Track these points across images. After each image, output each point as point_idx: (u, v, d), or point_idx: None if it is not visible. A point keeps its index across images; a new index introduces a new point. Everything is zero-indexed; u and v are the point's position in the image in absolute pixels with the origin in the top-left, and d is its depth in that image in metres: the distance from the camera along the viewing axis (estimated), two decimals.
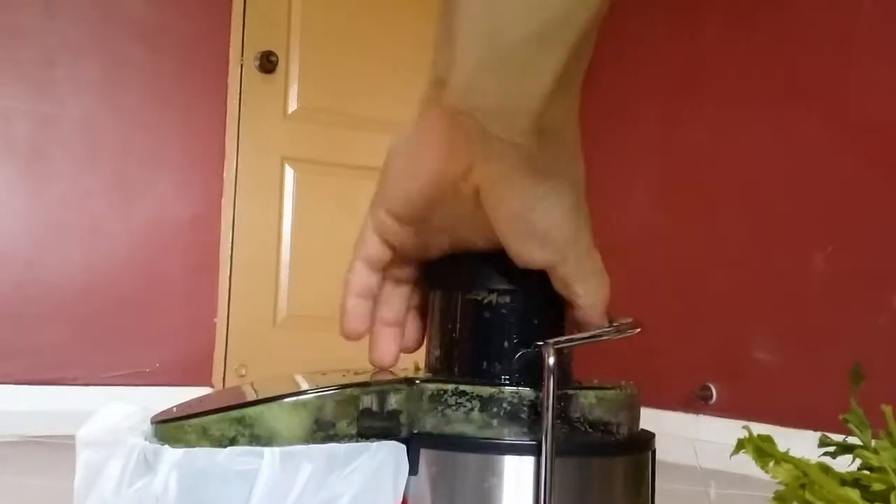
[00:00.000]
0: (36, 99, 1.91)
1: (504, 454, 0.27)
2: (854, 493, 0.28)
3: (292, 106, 2.19)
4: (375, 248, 0.29)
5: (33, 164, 1.91)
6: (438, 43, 0.25)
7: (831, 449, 0.31)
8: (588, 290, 0.28)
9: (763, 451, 0.31)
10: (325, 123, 2.22)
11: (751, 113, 1.90)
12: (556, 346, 0.27)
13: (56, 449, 1.64)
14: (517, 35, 0.23)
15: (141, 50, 1.99)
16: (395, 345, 0.31)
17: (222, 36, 2.08)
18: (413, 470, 0.28)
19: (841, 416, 0.29)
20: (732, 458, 0.32)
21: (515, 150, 0.24)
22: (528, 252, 0.26)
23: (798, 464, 0.29)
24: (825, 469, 0.29)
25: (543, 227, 0.26)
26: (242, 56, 2.11)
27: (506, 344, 0.29)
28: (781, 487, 0.29)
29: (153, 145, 2.01)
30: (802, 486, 0.28)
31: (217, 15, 2.07)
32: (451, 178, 0.26)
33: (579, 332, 0.29)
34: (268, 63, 2.12)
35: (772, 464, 0.30)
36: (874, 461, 0.29)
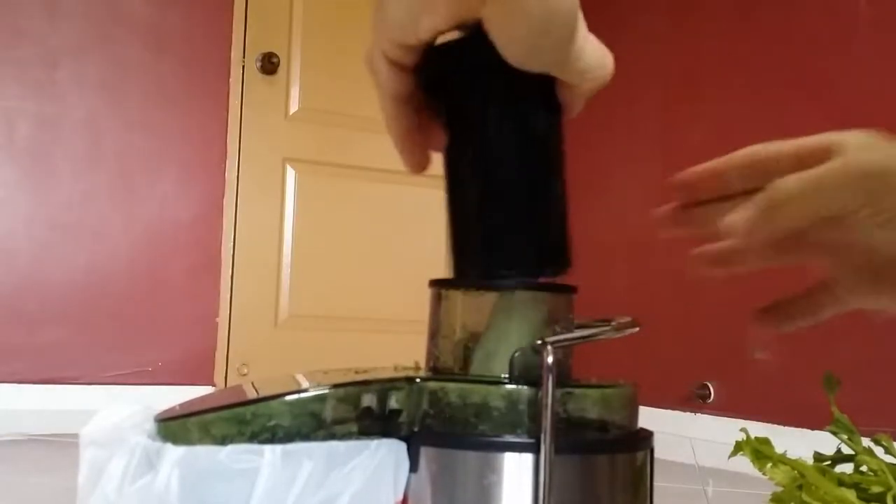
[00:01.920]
0: (38, 99, 1.91)
1: (503, 452, 0.27)
2: (850, 494, 0.28)
3: (294, 107, 2.19)
4: (396, 80, 0.29)
5: (35, 164, 1.91)
6: None
7: (827, 464, 0.31)
8: (591, 67, 0.28)
9: (760, 453, 0.31)
10: (327, 124, 2.22)
11: (750, 113, 1.90)
12: (554, 346, 0.27)
13: (59, 448, 1.64)
14: None
15: (143, 51, 2.00)
16: (423, 146, 0.30)
17: (224, 37, 2.08)
18: (413, 467, 0.28)
19: (827, 428, 0.30)
20: (732, 458, 0.32)
21: None
22: (538, 57, 0.26)
23: (795, 465, 0.29)
24: (822, 470, 0.29)
25: (550, 48, 0.26)
26: (244, 57, 2.11)
27: (506, 342, 0.30)
28: (779, 487, 0.29)
29: (155, 146, 2.01)
30: (799, 488, 0.28)
31: (219, 16, 2.08)
32: (462, 17, 0.26)
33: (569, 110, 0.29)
34: (269, 64, 2.12)
35: (769, 465, 0.30)
36: (872, 464, 0.29)
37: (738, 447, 0.28)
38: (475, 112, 0.29)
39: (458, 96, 0.29)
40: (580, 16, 0.27)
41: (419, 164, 0.30)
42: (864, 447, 0.29)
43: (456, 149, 0.30)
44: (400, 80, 0.28)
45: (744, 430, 0.28)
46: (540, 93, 0.29)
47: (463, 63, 0.28)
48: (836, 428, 0.30)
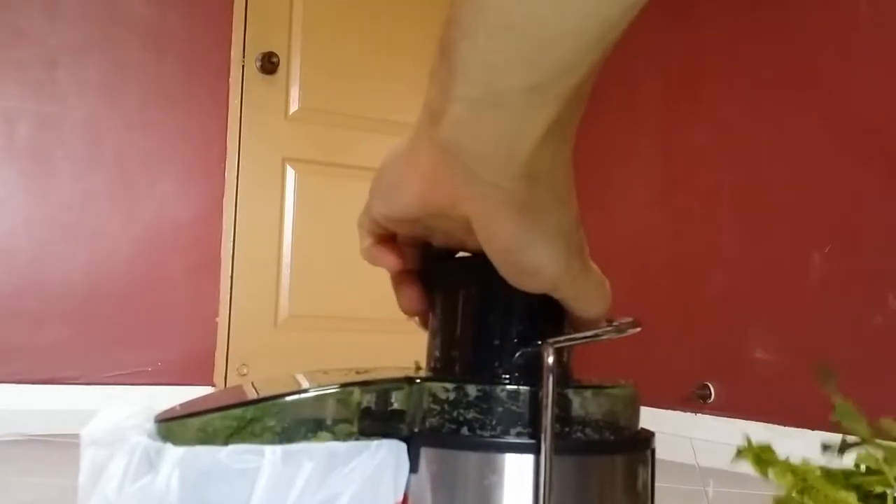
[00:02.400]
0: (38, 99, 1.91)
1: (504, 452, 0.27)
2: (852, 497, 0.28)
3: (293, 106, 2.19)
4: (375, 231, 0.31)
5: (35, 164, 1.91)
6: (434, 75, 0.25)
7: (834, 455, 0.31)
8: (588, 306, 0.29)
9: (762, 458, 0.31)
10: (327, 124, 2.22)
11: (750, 113, 1.90)
12: (555, 346, 0.27)
13: (59, 448, 1.64)
14: (513, 84, 0.22)
15: (143, 51, 2.00)
16: (418, 291, 0.32)
17: (224, 37, 2.08)
18: (413, 468, 0.28)
19: (832, 419, 0.30)
20: (731, 456, 0.32)
21: (501, 193, 0.24)
22: (520, 282, 0.27)
23: (797, 470, 0.29)
24: (825, 473, 0.29)
25: (533, 266, 0.26)
26: (244, 57, 2.11)
27: (506, 343, 0.30)
28: (781, 487, 0.29)
29: (155, 145, 2.01)
30: (801, 492, 0.28)
31: (219, 16, 2.08)
32: (435, 208, 0.27)
33: (578, 331, 0.30)
34: (269, 64, 2.12)
35: (771, 470, 0.30)
36: (871, 462, 0.29)
37: (739, 454, 0.28)
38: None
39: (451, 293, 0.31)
40: (577, 244, 0.27)
41: (412, 312, 0.33)
42: (870, 434, 0.29)
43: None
44: (378, 233, 0.31)
45: (745, 435, 0.28)
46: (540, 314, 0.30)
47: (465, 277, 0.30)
48: (839, 415, 0.30)
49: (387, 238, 0.32)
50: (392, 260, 0.32)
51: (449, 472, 0.27)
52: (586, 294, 0.29)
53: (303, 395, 0.28)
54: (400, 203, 0.28)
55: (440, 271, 0.31)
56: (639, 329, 0.30)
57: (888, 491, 0.26)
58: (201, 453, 0.27)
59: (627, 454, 0.29)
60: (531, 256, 0.26)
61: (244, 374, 2.09)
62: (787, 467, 0.27)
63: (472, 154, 0.24)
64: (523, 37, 0.21)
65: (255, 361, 2.10)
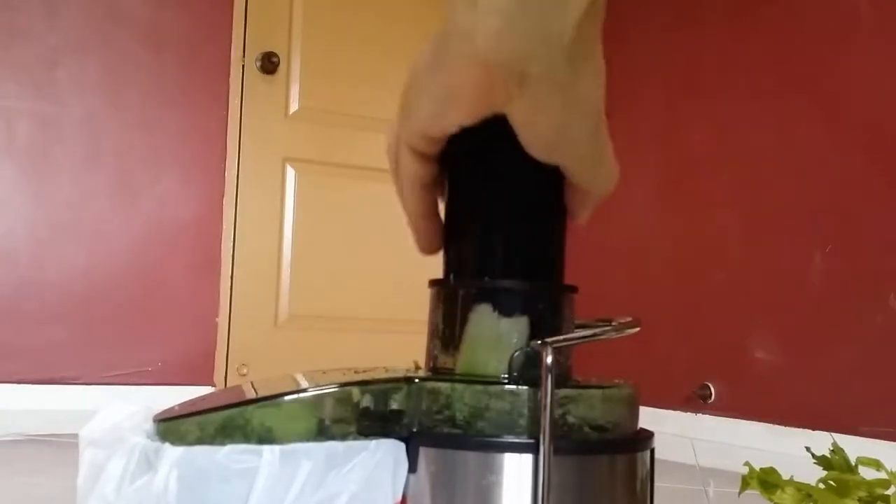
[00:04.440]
0: (37, 99, 1.91)
1: (503, 452, 0.27)
2: None
3: (293, 106, 2.19)
4: (418, 169, 0.30)
5: (35, 163, 1.91)
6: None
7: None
8: (600, 182, 0.30)
9: (768, 482, 0.31)
10: (327, 124, 2.22)
11: (751, 112, 1.90)
12: (554, 346, 0.27)
13: (59, 448, 1.64)
14: None
15: (142, 50, 2.00)
16: (439, 233, 0.32)
17: (224, 36, 2.08)
18: (412, 468, 0.28)
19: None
20: (731, 457, 0.32)
21: (549, 82, 0.25)
22: (553, 156, 0.28)
23: (802, 487, 0.29)
24: (836, 480, 0.29)
25: (572, 141, 0.27)
26: (244, 56, 2.11)
27: (505, 342, 0.30)
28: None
29: (155, 145, 2.01)
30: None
31: (219, 15, 2.08)
32: (487, 113, 0.27)
33: (577, 211, 0.30)
34: (269, 64, 2.12)
35: (778, 492, 0.30)
36: (873, 466, 0.29)
37: (745, 482, 0.28)
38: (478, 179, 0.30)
39: (464, 170, 0.30)
40: (602, 119, 0.28)
41: (431, 246, 0.32)
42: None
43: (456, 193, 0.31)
44: (422, 169, 0.30)
45: (747, 463, 0.28)
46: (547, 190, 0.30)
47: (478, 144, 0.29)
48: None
49: (434, 204, 0.31)
50: (437, 245, 0.31)
51: (448, 471, 0.27)
52: (602, 170, 0.29)
53: (302, 395, 0.28)
54: (450, 121, 0.27)
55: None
56: (638, 329, 0.30)
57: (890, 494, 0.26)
58: (200, 453, 0.27)
59: (627, 454, 0.29)
60: (573, 133, 0.27)
61: (244, 374, 2.09)
62: (792, 485, 0.27)
63: (520, 56, 0.24)
64: None
65: (255, 361, 2.10)
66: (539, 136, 0.27)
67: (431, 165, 0.30)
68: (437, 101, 0.27)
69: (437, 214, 0.31)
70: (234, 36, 2.10)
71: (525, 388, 0.28)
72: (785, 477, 0.34)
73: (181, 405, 0.30)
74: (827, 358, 1.66)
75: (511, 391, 0.28)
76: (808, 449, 0.32)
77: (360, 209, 2.22)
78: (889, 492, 0.27)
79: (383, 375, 0.30)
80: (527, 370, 0.29)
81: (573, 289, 0.31)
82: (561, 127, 0.26)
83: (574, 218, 0.31)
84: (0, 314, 1.85)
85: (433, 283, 0.32)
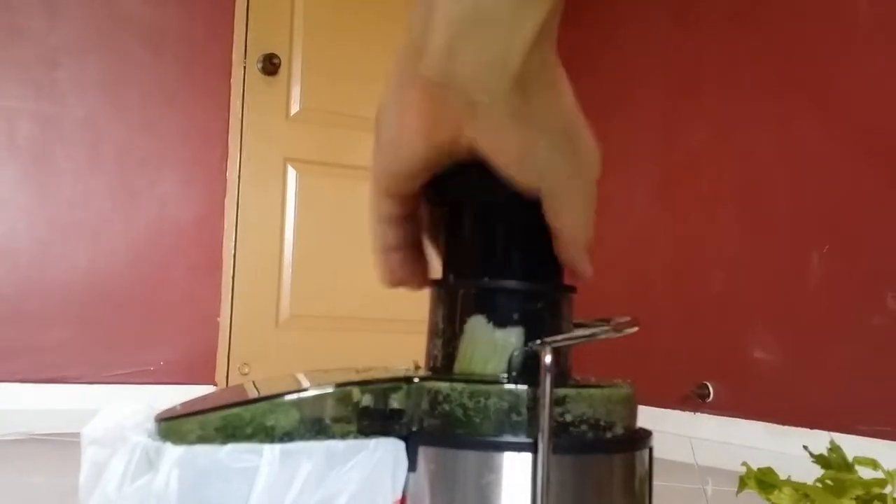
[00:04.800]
0: (38, 99, 1.91)
1: (502, 451, 0.27)
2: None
3: (295, 107, 2.19)
4: (387, 207, 0.30)
5: (36, 164, 1.91)
6: (413, 16, 0.25)
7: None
8: (574, 223, 0.28)
9: (765, 482, 0.31)
10: (328, 124, 2.22)
11: (750, 112, 1.90)
12: (552, 345, 0.27)
13: (61, 447, 1.64)
14: None
15: (144, 51, 2.00)
16: (401, 266, 0.32)
17: (225, 38, 2.08)
18: (412, 467, 0.28)
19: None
20: (730, 456, 0.32)
21: (500, 107, 0.25)
22: (527, 184, 0.27)
23: (799, 487, 0.29)
24: (833, 479, 0.29)
25: (540, 168, 0.26)
26: (245, 58, 2.11)
27: (505, 342, 0.30)
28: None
29: (156, 146, 2.01)
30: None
31: (220, 17, 2.08)
32: (441, 145, 0.27)
33: (567, 266, 0.30)
34: (270, 65, 2.12)
35: (775, 492, 0.30)
36: (869, 465, 0.29)
37: (743, 483, 0.28)
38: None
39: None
40: (572, 141, 0.27)
41: (392, 282, 0.32)
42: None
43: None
44: (390, 208, 0.30)
45: (745, 463, 0.28)
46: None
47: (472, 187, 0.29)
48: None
49: (407, 237, 0.31)
50: (398, 276, 0.31)
51: (447, 470, 0.28)
52: (578, 211, 0.28)
53: (302, 395, 0.28)
54: (406, 152, 0.27)
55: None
56: (636, 328, 0.30)
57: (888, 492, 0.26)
58: (200, 452, 0.27)
59: (625, 453, 0.29)
60: (538, 159, 0.26)
61: (246, 374, 2.09)
62: (789, 485, 0.27)
63: (465, 77, 0.24)
64: None
65: (256, 361, 2.10)
66: (504, 163, 0.26)
67: (400, 205, 0.30)
68: (394, 129, 0.27)
69: (400, 249, 0.31)
70: (235, 37, 2.10)
71: (524, 387, 0.28)
72: (783, 476, 0.34)
73: (183, 404, 0.30)
74: (825, 357, 1.66)
75: (510, 390, 0.28)
76: (806, 448, 0.32)
77: (361, 209, 2.21)
78: (886, 490, 0.27)
79: (383, 375, 0.30)
80: (526, 369, 0.29)
81: (572, 288, 0.31)
82: (523, 153, 0.26)
83: (576, 274, 0.30)
84: (2, 314, 1.86)
85: (433, 282, 0.32)
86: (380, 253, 0.31)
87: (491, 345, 0.29)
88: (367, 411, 0.28)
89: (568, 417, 0.28)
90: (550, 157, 0.26)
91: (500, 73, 0.24)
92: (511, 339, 0.29)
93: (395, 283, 0.32)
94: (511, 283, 0.30)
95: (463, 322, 0.30)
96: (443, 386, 0.28)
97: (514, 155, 0.26)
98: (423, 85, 0.25)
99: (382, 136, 0.28)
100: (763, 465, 0.32)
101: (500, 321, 0.29)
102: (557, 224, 0.28)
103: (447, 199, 0.30)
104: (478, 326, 0.30)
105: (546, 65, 0.25)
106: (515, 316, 0.29)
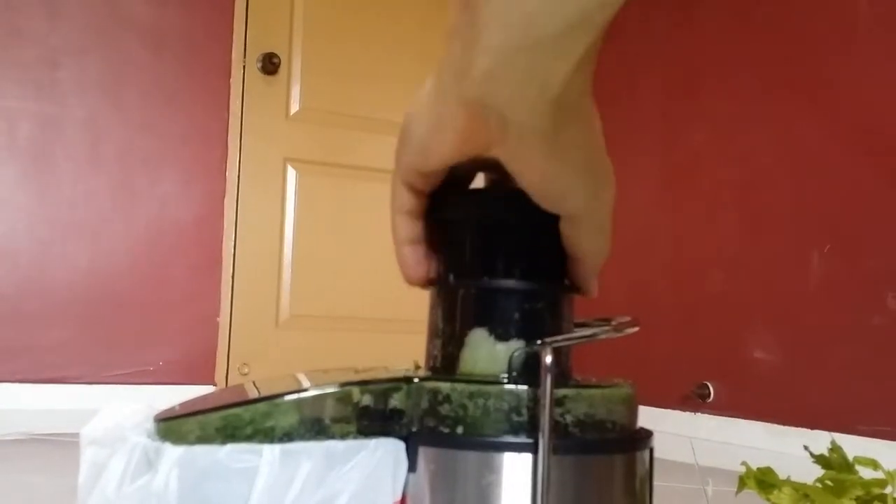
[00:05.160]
0: (39, 99, 1.91)
1: (502, 452, 0.27)
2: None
3: (294, 107, 2.19)
4: (409, 200, 0.31)
5: (36, 164, 1.91)
6: (454, 32, 0.25)
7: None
8: (592, 249, 0.29)
9: (765, 482, 0.31)
10: (328, 124, 2.22)
11: (750, 113, 1.89)
12: (553, 345, 0.27)
13: (60, 447, 1.64)
14: (551, 26, 0.23)
15: (144, 51, 2.00)
16: (426, 261, 0.32)
17: (225, 37, 2.08)
18: (412, 467, 0.28)
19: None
20: (730, 456, 0.32)
21: (533, 131, 0.25)
22: (548, 206, 0.28)
23: (799, 487, 0.29)
24: (833, 479, 0.29)
25: (562, 194, 0.27)
26: (245, 57, 2.11)
27: (505, 342, 0.30)
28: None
29: (156, 146, 2.01)
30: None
31: (220, 16, 2.08)
32: (470, 155, 0.27)
33: (576, 289, 0.30)
34: (270, 64, 2.12)
35: (775, 492, 0.30)
36: (870, 465, 0.29)
37: (742, 482, 0.28)
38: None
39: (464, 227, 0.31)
40: (600, 175, 0.28)
41: (416, 274, 0.32)
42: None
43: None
44: (410, 201, 0.31)
45: (745, 463, 0.28)
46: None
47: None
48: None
49: (421, 233, 0.31)
50: (422, 272, 0.31)
51: (447, 471, 0.27)
52: (597, 237, 0.29)
53: (302, 395, 0.28)
54: (436, 156, 0.28)
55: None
56: (637, 328, 0.30)
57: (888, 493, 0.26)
58: (200, 453, 0.27)
59: (626, 453, 0.29)
60: (561, 186, 0.27)
61: (245, 374, 2.09)
62: (789, 485, 0.27)
63: (505, 100, 0.25)
64: None
65: (256, 361, 2.10)
66: (528, 184, 0.27)
67: (421, 198, 0.30)
68: (426, 135, 0.28)
69: (423, 243, 0.31)
70: (234, 37, 2.10)
71: (524, 387, 0.28)
72: (783, 476, 0.34)
73: (182, 404, 0.30)
74: (825, 357, 1.66)
75: (510, 391, 0.28)
76: (806, 448, 0.32)
77: (362, 209, 2.22)
78: (886, 491, 0.27)
79: (383, 375, 0.30)
80: (526, 369, 0.29)
81: (572, 288, 0.31)
82: (548, 177, 0.26)
83: (582, 292, 0.31)
84: (1, 314, 1.86)
85: (433, 282, 0.32)
86: (402, 245, 0.31)
87: (493, 358, 0.29)
88: (367, 411, 0.28)
89: (568, 418, 0.28)
90: (574, 183, 0.27)
91: (539, 98, 0.24)
92: (513, 350, 0.29)
93: (419, 278, 0.32)
94: (510, 283, 0.30)
95: (464, 335, 0.30)
96: (443, 386, 0.28)
97: (539, 178, 0.27)
98: (461, 102, 0.26)
99: (413, 137, 0.29)
100: (763, 465, 0.32)
101: (502, 334, 0.29)
102: (576, 249, 0.29)
103: (447, 216, 0.31)
104: (480, 340, 0.30)
105: (582, 93, 0.26)
106: (515, 328, 0.29)
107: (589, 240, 0.29)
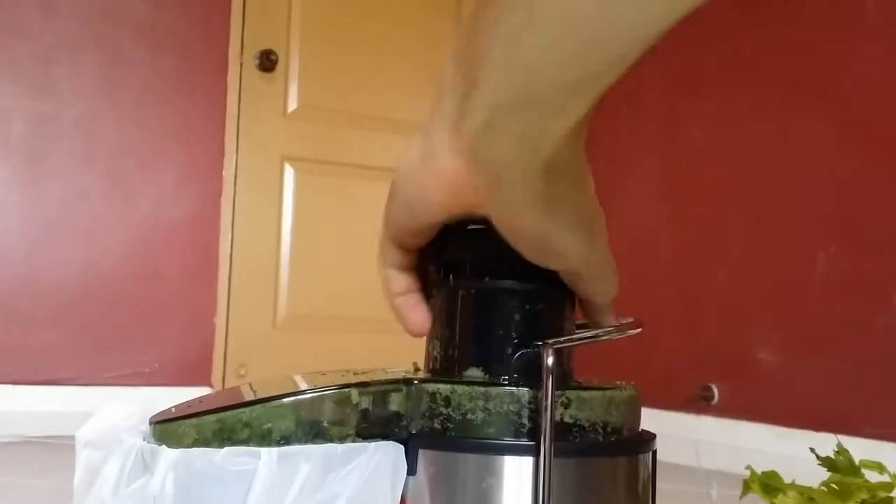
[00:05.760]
0: (34, 97, 1.90)
1: (503, 454, 0.27)
2: None
3: (292, 105, 2.19)
4: (397, 256, 0.31)
5: (31, 163, 1.90)
6: (447, 84, 0.25)
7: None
8: (598, 291, 0.29)
9: (769, 486, 0.31)
10: (325, 122, 2.21)
11: (753, 111, 1.89)
12: (554, 347, 0.27)
13: (56, 449, 1.63)
14: (555, 81, 0.22)
15: (140, 48, 1.99)
16: (423, 308, 0.32)
17: (222, 34, 2.08)
18: (411, 470, 0.28)
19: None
20: (734, 458, 0.32)
21: (524, 191, 0.25)
22: (546, 265, 0.28)
23: (804, 490, 0.29)
24: (838, 483, 0.29)
25: (558, 252, 0.27)
26: (242, 54, 2.11)
27: (506, 344, 0.29)
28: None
29: (152, 144, 2.01)
30: None
31: (217, 13, 2.07)
32: (459, 213, 0.27)
33: (591, 324, 0.30)
34: (267, 61, 2.11)
35: (780, 496, 0.30)
36: (875, 469, 0.29)
37: (747, 486, 0.28)
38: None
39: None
40: (596, 231, 0.27)
41: (419, 324, 0.32)
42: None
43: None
44: (399, 257, 0.31)
45: (749, 467, 0.28)
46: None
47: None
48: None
49: (412, 284, 0.31)
50: (420, 319, 0.31)
51: (447, 474, 0.27)
52: (605, 279, 0.29)
53: (300, 397, 0.28)
54: (424, 214, 0.28)
55: (439, 267, 0.31)
56: (640, 329, 0.29)
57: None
58: (197, 455, 0.26)
59: (628, 456, 0.29)
60: (556, 244, 0.26)
61: (242, 375, 2.08)
62: (794, 488, 0.27)
63: (497, 159, 0.24)
64: (579, 34, 0.21)
65: (253, 362, 2.09)
66: (520, 242, 0.26)
67: (410, 255, 0.30)
68: (415, 191, 0.28)
69: (416, 292, 0.31)
70: (231, 33, 2.09)
71: (526, 389, 0.27)
72: (788, 479, 0.34)
73: (178, 407, 0.30)
74: (830, 359, 1.66)
75: (511, 392, 0.27)
76: (812, 450, 0.32)
77: (360, 208, 2.22)
78: (892, 494, 0.27)
79: (382, 377, 0.30)
80: (527, 371, 0.29)
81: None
82: (542, 237, 0.26)
83: (599, 324, 0.31)
84: None
85: (433, 284, 0.32)
86: (394, 298, 0.32)
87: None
88: (366, 414, 0.28)
89: (570, 420, 0.28)
90: (568, 239, 0.26)
91: (532, 158, 0.24)
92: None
93: (418, 325, 0.31)
94: (510, 283, 0.29)
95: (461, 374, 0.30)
96: (443, 388, 0.28)
97: (532, 237, 0.26)
98: (451, 154, 0.25)
99: (401, 193, 0.28)
100: (768, 467, 0.31)
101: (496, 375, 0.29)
102: (582, 295, 0.30)
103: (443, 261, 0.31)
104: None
105: (575, 153, 0.25)
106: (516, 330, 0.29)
107: (593, 287, 0.29)
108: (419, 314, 0.31)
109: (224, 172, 2.08)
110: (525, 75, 0.22)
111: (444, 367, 0.30)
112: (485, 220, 0.27)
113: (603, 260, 0.28)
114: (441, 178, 0.26)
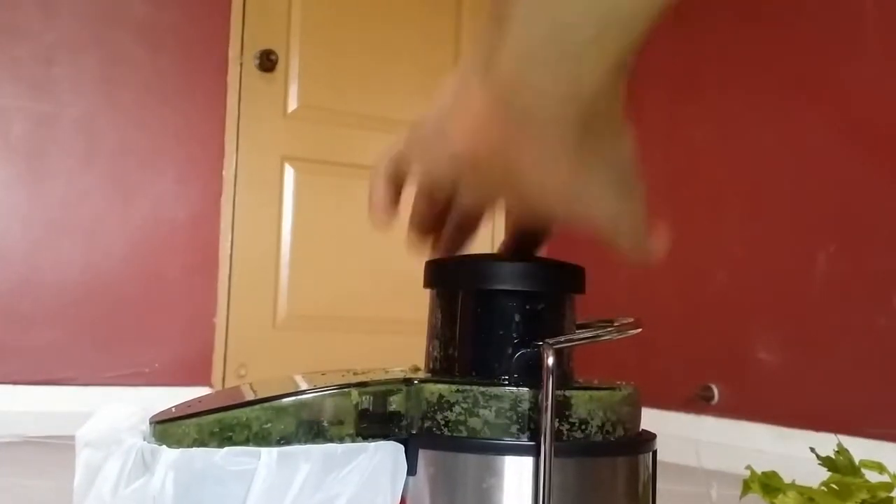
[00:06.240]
0: (34, 97, 1.90)
1: (503, 454, 0.27)
2: None
3: (292, 105, 2.19)
4: (401, 168, 0.30)
5: (31, 163, 1.90)
6: (490, 19, 0.24)
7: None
8: (625, 245, 0.28)
9: (769, 486, 0.31)
10: (326, 122, 2.21)
11: (754, 111, 1.89)
12: (555, 347, 0.27)
13: (55, 449, 1.63)
14: (589, 11, 0.22)
15: (140, 48, 1.99)
16: (390, 196, 0.31)
17: (222, 34, 2.08)
18: (411, 470, 0.28)
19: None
20: (735, 458, 0.32)
21: (557, 131, 0.24)
22: (566, 216, 0.26)
23: (804, 490, 0.29)
24: (838, 483, 0.29)
25: (584, 205, 0.25)
26: (242, 54, 2.10)
27: (506, 344, 0.29)
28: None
29: (152, 144, 2.01)
30: None
31: (217, 13, 2.07)
32: (480, 154, 0.26)
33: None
34: (267, 61, 2.11)
35: (780, 496, 0.30)
36: (875, 469, 0.29)
37: (747, 486, 0.28)
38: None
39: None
40: (634, 187, 0.27)
41: (380, 208, 0.32)
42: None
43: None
44: (402, 170, 0.30)
45: (749, 467, 0.28)
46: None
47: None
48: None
49: (399, 177, 0.31)
50: (390, 210, 0.31)
51: (447, 474, 0.27)
52: (632, 237, 0.28)
53: (300, 397, 0.27)
54: (443, 152, 0.26)
55: (440, 270, 0.31)
56: (640, 330, 0.29)
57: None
58: (197, 455, 0.26)
59: (629, 456, 0.29)
60: (585, 198, 0.25)
61: (242, 376, 2.08)
62: (794, 488, 0.27)
63: (534, 88, 0.23)
64: None
65: (253, 362, 2.09)
66: (544, 193, 0.25)
67: (404, 177, 0.30)
68: (444, 114, 0.27)
69: (399, 186, 0.31)
70: (231, 34, 2.09)
71: (526, 389, 0.27)
72: (788, 479, 0.34)
73: (178, 407, 0.30)
74: (831, 359, 1.66)
75: (512, 392, 0.27)
76: (812, 450, 0.32)
77: (360, 208, 2.20)
78: (892, 494, 0.27)
79: (382, 377, 0.30)
80: (528, 371, 0.29)
81: (574, 290, 0.31)
82: (570, 191, 0.25)
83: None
84: None
85: (432, 285, 0.32)
86: (379, 177, 0.31)
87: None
88: (366, 414, 0.27)
89: (570, 420, 0.28)
90: (602, 196, 0.25)
91: (568, 96, 0.23)
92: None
93: (384, 210, 0.31)
94: (510, 284, 0.29)
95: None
96: (443, 388, 0.28)
97: (560, 186, 0.25)
98: (484, 86, 0.24)
99: (425, 129, 0.27)
100: (768, 467, 0.31)
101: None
102: (612, 245, 0.28)
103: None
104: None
105: (612, 107, 0.24)
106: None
107: (621, 240, 0.28)
108: (390, 204, 0.31)
109: (224, 172, 2.08)
110: (555, 29, 0.22)
111: (444, 367, 0.30)
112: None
113: (633, 224, 0.27)
114: (469, 112, 0.25)
